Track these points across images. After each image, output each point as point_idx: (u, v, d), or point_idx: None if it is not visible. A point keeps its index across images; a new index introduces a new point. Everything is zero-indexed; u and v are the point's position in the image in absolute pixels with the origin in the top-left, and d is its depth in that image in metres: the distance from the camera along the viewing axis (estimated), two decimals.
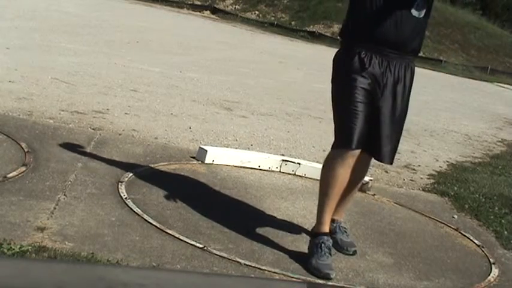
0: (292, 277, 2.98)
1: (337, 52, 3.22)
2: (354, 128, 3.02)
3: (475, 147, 7.64)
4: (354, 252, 3.41)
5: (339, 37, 3.26)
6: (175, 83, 7.70)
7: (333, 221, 3.42)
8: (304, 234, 3.52)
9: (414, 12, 3.00)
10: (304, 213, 3.83)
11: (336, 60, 3.19)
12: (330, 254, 3.13)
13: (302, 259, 3.18)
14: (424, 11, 3.04)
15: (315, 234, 3.21)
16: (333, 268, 3.10)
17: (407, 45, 3.08)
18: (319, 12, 24.49)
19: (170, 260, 2.88)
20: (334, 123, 3.18)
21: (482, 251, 3.86)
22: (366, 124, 3.05)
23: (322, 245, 3.12)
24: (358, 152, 3.08)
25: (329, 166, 3.17)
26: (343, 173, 3.12)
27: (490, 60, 24.19)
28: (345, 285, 3.03)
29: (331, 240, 3.20)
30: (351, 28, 3.15)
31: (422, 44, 3.22)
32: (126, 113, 5.52)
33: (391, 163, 3.30)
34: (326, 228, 3.20)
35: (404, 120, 3.24)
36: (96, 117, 5.16)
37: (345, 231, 3.47)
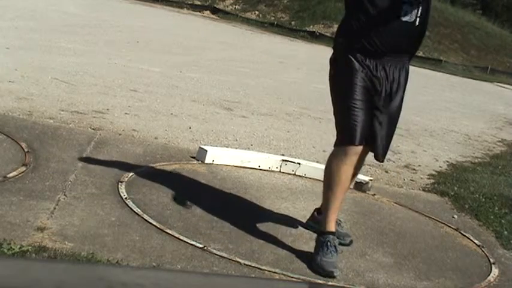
0: (292, 277, 2.98)
1: (332, 54, 3.28)
2: (356, 124, 3.09)
3: (475, 147, 7.64)
4: (350, 242, 3.49)
5: (334, 39, 3.32)
6: (175, 83, 7.70)
7: None
8: (304, 234, 3.52)
9: (405, 18, 3.08)
10: (304, 213, 3.83)
11: (333, 62, 3.26)
12: (336, 253, 3.15)
13: (302, 259, 3.19)
14: (415, 15, 3.09)
15: (321, 232, 3.24)
16: (337, 267, 3.12)
17: (400, 48, 3.16)
18: (319, 12, 24.52)
19: (170, 260, 2.88)
20: (336, 122, 3.24)
21: (482, 251, 3.86)
22: (367, 120, 3.12)
23: (328, 243, 3.15)
24: (361, 148, 3.13)
25: (333, 164, 3.21)
26: (347, 170, 3.17)
27: (490, 60, 24.21)
28: (345, 285, 3.03)
29: (337, 240, 3.23)
30: (347, 34, 3.22)
31: (419, 46, 3.28)
32: (126, 113, 5.52)
33: (383, 161, 3.37)
34: (332, 227, 3.23)
35: (398, 119, 3.30)
36: (96, 117, 5.16)
37: (340, 223, 3.53)
